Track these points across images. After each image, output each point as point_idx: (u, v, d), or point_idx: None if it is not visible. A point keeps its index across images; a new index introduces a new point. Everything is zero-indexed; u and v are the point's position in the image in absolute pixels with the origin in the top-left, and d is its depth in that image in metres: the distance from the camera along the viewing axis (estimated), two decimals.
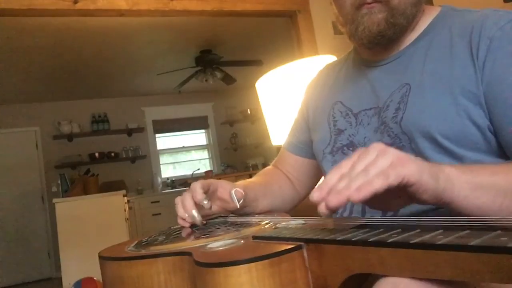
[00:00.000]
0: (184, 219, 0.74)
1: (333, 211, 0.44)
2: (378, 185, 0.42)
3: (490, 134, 0.63)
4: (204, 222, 0.76)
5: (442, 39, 0.69)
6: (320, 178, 0.98)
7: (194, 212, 0.73)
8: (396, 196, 0.47)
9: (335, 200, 0.42)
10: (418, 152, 0.66)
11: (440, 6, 0.75)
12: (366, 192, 0.41)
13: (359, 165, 0.45)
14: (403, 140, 0.68)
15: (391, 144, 0.70)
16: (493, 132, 0.62)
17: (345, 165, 0.47)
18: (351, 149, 0.77)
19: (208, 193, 0.78)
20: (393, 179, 0.43)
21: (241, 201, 0.79)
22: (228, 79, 4.65)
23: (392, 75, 0.73)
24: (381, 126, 0.72)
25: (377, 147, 0.46)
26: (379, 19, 0.68)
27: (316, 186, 0.48)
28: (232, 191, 0.78)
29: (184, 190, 0.78)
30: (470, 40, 0.64)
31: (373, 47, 0.74)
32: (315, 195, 0.45)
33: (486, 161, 0.63)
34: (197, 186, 0.76)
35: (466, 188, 0.49)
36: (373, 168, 0.44)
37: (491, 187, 0.51)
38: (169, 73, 4.66)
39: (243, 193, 0.79)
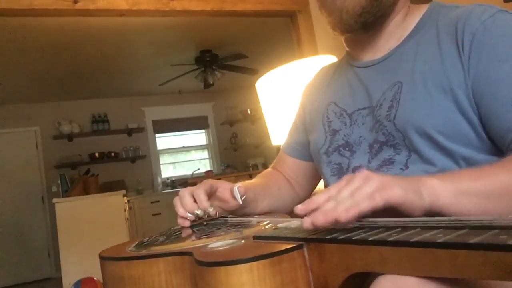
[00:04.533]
0: (184, 218, 0.74)
1: (316, 228, 0.46)
2: (365, 206, 0.45)
3: (481, 129, 0.63)
4: (205, 222, 0.76)
5: (430, 36, 0.69)
6: (319, 180, 0.98)
7: (211, 210, 0.73)
8: (384, 216, 0.49)
9: (321, 219, 0.45)
10: (412, 149, 0.67)
11: (428, 3, 0.75)
12: (353, 213, 0.44)
13: (346, 190, 0.49)
14: (397, 138, 0.69)
15: (385, 142, 0.70)
16: (482, 126, 0.63)
17: (333, 189, 0.51)
18: (347, 149, 0.78)
19: (210, 195, 0.78)
20: (378, 201, 0.46)
21: (243, 197, 0.79)
22: (251, 71, 4.64)
23: (383, 74, 0.74)
24: (376, 124, 0.72)
25: (363, 175, 0.50)
26: None
27: (304, 202, 0.51)
28: (235, 187, 0.79)
29: None
30: (455, 35, 0.65)
31: (358, 30, 0.73)
32: (299, 208, 0.50)
33: (477, 158, 0.64)
34: (201, 193, 0.74)
35: (449, 196, 0.52)
36: (358, 194, 0.47)
37: (473, 192, 0.53)
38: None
39: (244, 189, 0.80)
